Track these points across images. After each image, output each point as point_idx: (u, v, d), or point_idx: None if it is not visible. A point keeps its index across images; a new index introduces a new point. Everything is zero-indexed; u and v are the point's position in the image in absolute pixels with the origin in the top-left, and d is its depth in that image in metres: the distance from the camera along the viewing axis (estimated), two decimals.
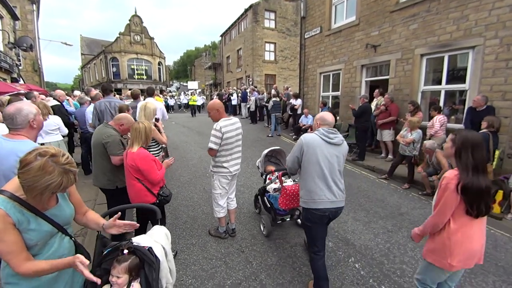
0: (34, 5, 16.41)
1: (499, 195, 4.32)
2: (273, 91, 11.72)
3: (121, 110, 3.48)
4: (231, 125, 2.94)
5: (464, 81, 5.46)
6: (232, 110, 16.53)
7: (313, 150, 2.21)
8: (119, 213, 1.69)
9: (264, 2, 19.91)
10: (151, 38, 29.72)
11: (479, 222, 1.75)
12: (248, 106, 13.68)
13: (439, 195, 1.78)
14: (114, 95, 5.98)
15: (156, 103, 4.99)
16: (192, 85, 32.91)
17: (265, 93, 12.82)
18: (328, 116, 2.40)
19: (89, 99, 5.84)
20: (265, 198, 3.49)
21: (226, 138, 2.88)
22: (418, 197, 4.80)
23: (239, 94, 15.72)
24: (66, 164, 1.23)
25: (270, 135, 10.14)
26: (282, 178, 3.18)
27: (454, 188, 1.66)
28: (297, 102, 10.00)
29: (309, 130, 8.71)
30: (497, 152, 4.37)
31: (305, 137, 2.30)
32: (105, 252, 1.64)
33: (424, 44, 6.03)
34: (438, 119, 5.29)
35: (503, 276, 2.74)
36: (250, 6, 19.87)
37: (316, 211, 2.23)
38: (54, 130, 4.13)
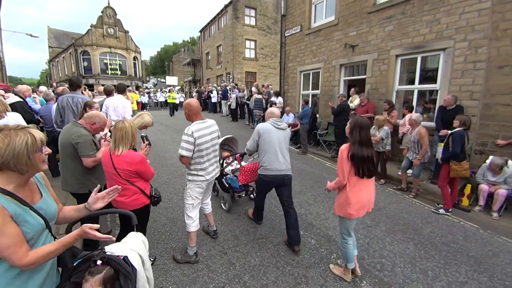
0: None
1: (467, 189, 4.61)
2: (253, 89, 11.70)
3: (86, 107, 3.14)
4: (205, 128, 2.64)
5: (435, 81, 5.75)
6: (212, 108, 16.29)
7: (267, 134, 3.06)
8: (98, 185, 1.65)
9: None
10: (126, 32, 28.36)
11: (367, 182, 2.42)
12: (228, 103, 13.51)
13: (338, 162, 2.47)
14: (84, 91, 5.59)
15: (124, 101, 4.77)
16: (171, 80, 30.07)
17: (246, 91, 12.74)
18: (275, 110, 3.33)
19: (55, 95, 5.41)
20: (223, 180, 4.01)
21: (200, 143, 2.57)
22: (393, 191, 5.00)
23: (219, 92, 15.49)
24: (18, 127, 1.23)
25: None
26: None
27: (346, 156, 2.35)
28: (278, 100, 9.97)
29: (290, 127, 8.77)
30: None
31: (260, 125, 3.16)
32: (75, 264, 1.51)
33: (399, 45, 6.27)
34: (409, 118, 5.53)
35: (474, 265, 2.92)
36: (230, 2, 19.59)
37: (266, 177, 3.09)
38: None
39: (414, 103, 6.14)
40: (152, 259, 2.80)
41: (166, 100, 19.93)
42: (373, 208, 4.16)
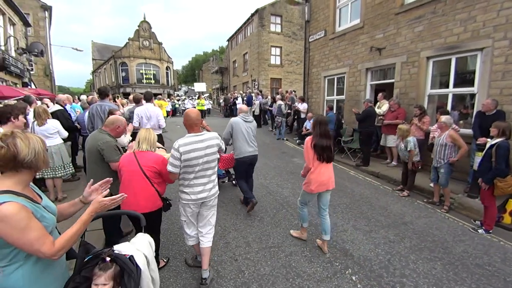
0: (46, 12, 16.96)
1: (510, 204, 4.08)
2: (278, 96, 11.69)
3: (109, 114, 3.45)
4: (197, 142, 2.36)
5: (472, 84, 5.25)
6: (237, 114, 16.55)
7: (238, 126, 3.97)
8: (92, 180, 1.73)
9: (270, 7, 19.98)
10: (159, 43, 30.26)
11: (326, 165, 3.08)
12: (252, 110, 13.64)
13: (304, 151, 3.12)
14: (117, 99, 6.01)
15: (154, 109, 4.99)
16: (199, 87, 28.92)
17: (269, 97, 12.77)
18: (243, 107, 4.36)
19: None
20: None
21: (188, 159, 2.31)
22: (424, 205, 4.60)
23: (245, 98, 15.72)
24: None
25: (277, 137, 10.30)
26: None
27: (309, 146, 3.01)
28: (303, 106, 9.82)
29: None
30: None
31: (232, 119, 4.04)
32: (86, 259, 1.62)
33: (430, 47, 5.85)
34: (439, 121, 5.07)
35: None
36: (256, 11, 19.97)
37: (242, 159, 4.01)
38: (53, 134, 4.16)
39: (449, 108, 5.65)
40: (165, 260, 2.88)
41: (195, 107, 20.65)
42: (398, 222, 3.94)
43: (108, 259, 1.48)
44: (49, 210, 1.41)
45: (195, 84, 30.45)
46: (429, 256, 3.12)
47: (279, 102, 10.39)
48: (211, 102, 23.85)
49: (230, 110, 17.85)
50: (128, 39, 28.76)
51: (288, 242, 3.35)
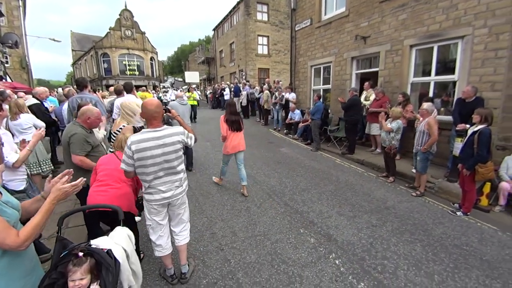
0: (20, 1, 15.91)
1: (487, 187, 4.26)
2: (265, 86, 11.59)
3: (80, 107, 3.27)
4: (153, 139, 2.08)
5: (453, 72, 5.36)
6: (225, 105, 16.35)
7: (176, 108, 4.69)
8: (50, 175, 1.68)
9: None
10: (143, 33, 29.16)
11: (237, 134, 4.31)
12: (240, 100, 13.50)
13: (220, 124, 4.30)
14: (95, 91, 5.78)
15: (136, 100, 4.81)
16: (191, 77, 24.13)
17: (256, 87, 12.65)
18: (179, 93, 5.32)
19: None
20: None
21: (141, 158, 2.06)
22: (406, 190, 4.74)
23: (232, 89, 15.52)
24: None
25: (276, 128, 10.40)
26: None
27: (223, 120, 4.23)
28: (291, 96, 9.67)
29: (299, 125, 8.61)
30: None
31: (171, 103, 4.72)
32: (61, 255, 1.58)
33: (414, 35, 5.91)
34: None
35: (487, 270, 2.68)
36: None
37: None
38: (27, 129, 3.96)
39: (431, 96, 5.76)
40: (142, 254, 2.83)
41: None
42: (381, 207, 4.05)
43: (81, 254, 1.47)
44: (11, 205, 1.36)
45: (185, 73, 25.19)
46: (410, 239, 3.23)
47: (266, 92, 10.34)
48: (199, 93, 23.32)
49: (217, 102, 17.61)
50: (109, 29, 27.53)
51: (274, 230, 3.38)
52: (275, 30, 20.65)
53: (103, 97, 6.77)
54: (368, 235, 3.28)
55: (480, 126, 3.65)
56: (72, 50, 35.94)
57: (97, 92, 6.03)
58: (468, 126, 4.16)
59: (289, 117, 9.24)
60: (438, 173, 5.07)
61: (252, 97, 12.34)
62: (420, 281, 2.53)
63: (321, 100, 7.63)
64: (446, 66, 5.67)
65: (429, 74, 5.87)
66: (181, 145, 2.26)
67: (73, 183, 1.56)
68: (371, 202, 4.20)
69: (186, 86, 27.81)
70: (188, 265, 2.58)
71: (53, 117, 5.71)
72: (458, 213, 3.89)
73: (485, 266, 2.74)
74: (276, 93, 10.14)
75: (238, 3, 20.32)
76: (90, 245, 1.60)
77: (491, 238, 3.29)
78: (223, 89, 16.42)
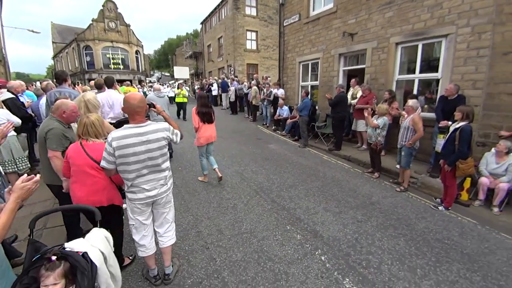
0: None
1: (467, 182, 4.40)
2: (253, 81, 11.51)
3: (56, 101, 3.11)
4: (136, 136, 1.99)
5: (437, 70, 5.48)
6: (213, 101, 16.15)
7: (154, 101, 4.03)
8: (10, 186, 1.56)
9: None
10: (127, 25, 28.21)
11: (208, 125, 4.48)
12: (228, 96, 13.34)
13: (192, 116, 4.48)
14: (75, 85, 5.52)
15: (118, 96, 4.63)
16: (180, 72, 22.59)
17: (245, 83, 12.54)
18: (157, 86, 5.55)
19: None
20: None
21: (123, 155, 1.95)
22: (390, 185, 4.83)
23: (219, 84, 15.33)
24: None
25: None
26: None
27: (195, 112, 4.38)
28: (280, 92, 9.64)
29: (287, 121, 8.61)
30: None
31: (148, 96, 4.35)
32: (33, 259, 1.49)
33: (399, 33, 5.99)
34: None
35: (467, 263, 2.76)
36: None
37: None
38: (1, 125, 3.72)
39: (415, 93, 5.88)
40: (131, 257, 2.73)
41: (174, 97, 19.08)
42: (366, 202, 4.11)
43: (54, 257, 1.39)
44: None
45: (174, 68, 23.41)
46: (394, 233, 3.29)
47: (255, 88, 10.26)
48: (188, 89, 22.83)
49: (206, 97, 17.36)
50: (92, 20, 26.42)
51: (260, 227, 3.35)
52: (264, 25, 20.48)
53: (84, 91, 6.49)
54: (354, 231, 3.32)
55: (461, 123, 3.74)
56: (53, 42, 34.27)
57: (77, 86, 5.76)
58: (450, 123, 4.26)
59: (277, 113, 9.22)
60: (421, 169, 5.19)
61: (241, 92, 12.23)
62: (404, 275, 2.57)
63: (308, 96, 7.64)
64: (430, 64, 5.78)
65: (413, 72, 5.98)
66: (166, 141, 2.17)
67: (35, 179, 1.48)
68: (356, 198, 4.25)
69: (172, 81, 27.24)
70: (172, 265, 2.51)
71: (30, 112, 5.42)
72: (440, 207, 4.00)
73: (465, 260, 2.82)
74: (265, 89, 10.09)
75: None
76: (64, 248, 1.52)
77: (471, 232, 3.40)
78: (211, 85, 16.20)
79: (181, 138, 2.38)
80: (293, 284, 2.43)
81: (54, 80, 6.63)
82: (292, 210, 3.79)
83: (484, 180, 4.13)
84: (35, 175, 1.54)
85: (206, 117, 4.40)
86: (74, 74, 27.22)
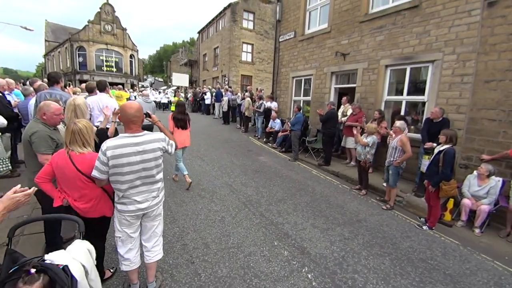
0: None
1: (450, 203, 4.52)
2: (246, 93, 11.63)
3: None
4: (131, 146, 1.95)
5: (423, 93, 5.72)
6: (206, 110, 16.16)
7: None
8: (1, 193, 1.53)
9: (243, 2, 19.77)
10: (124, 29, 28.22)
11: (183, 131, 4.84)
12: (221, 105, 13.38)
13: (168, 121, 4.75)
14: (66, 87, 5.42)
15: (109, 100, 4.58)
16: (179, 79, 20.92)
17: (239, 94, 12.65)
18: (145, 92, 6.41)
19: (33, 90, 5.23)
20: None
21: (117, 165, 1.91)
22: (377, 203, 4.91)
23: (213, 93, 15.38)
24: None
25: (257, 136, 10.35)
26: None
27: (171, 117, 4.78)
28: (274, 105, 9.73)
29: (279, 134, 8.70)
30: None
31: (136, 100, 5.59)
32: (10, 271, 1.42)
33: (389, 56, 6.25)
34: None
35: (450, 284, 2.81)
36: (229, 5, 19.64)
37: None
38: None
39: (402, 114, 6.09)
40: (112, 270, 2.62)
41: (169, 102, 18.72)
42: (353, 219, 4.15)
43: (33, 270, 1.31)
44: None
45: (173, 74, 20.89)
46: (379, 252, 3.32)
47: (248, 99, 10.36)
48: (183, 95, 22.68)
49: (198, 105, 17.38)
50: (88, 22, 26.31)
51: (248, 242, 3.31)
52: (260, 39, 20.94)
53: (74, 93, 6.37)
54: (341, 248, 3.33)
55: (445, 146, 3.89)
56: (46, 40, 33.73)
57: (67, 87, 5.63)
58: (435, 144, 4.42)
59: (269, 125, 9.30)
60: (407, 188, 5.32)
61: (234, 103, 12.31)
62: None
63: (301, 111, 7.78)
64: (417, 87, 6.04)
65: (401, 93, 6.22)
66: (161, 152, 2.13)
67: (26, 192, 1.42)
68: (344, 215, 4.29)
69: (165, 87, 27.02)
70: (155, 280, 2.43)
71: (16, 111, 5.25)
72: (424, 227, 4.09)
73: (448, 280, 2.87)
74: (257, 101, 10.21)
75: (224, 9, 20.40)
76: (44, 260, 1.46)
77: (453, 252, 3.48)
78: (204, 93, 16.25)
79: (175, 149, 2.37)
80: None
81: (45, 80, 6.49)
82: (280, 225, 3.78)
83: (466, 202, 4.26)
84: (29, 188, 1.49)
85: (180, 123, 4.78)
86: (65, 74, 26.70)
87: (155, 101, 19.24)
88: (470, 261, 3.29)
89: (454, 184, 3.93)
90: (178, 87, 26.72)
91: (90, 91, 4.85)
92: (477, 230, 4.08)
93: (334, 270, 2.90)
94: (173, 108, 11.48)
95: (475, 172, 4.40)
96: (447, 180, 3.86)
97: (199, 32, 26.97)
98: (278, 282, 2.65)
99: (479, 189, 4.23)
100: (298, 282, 2.67)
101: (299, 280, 2.71)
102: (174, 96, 11.93)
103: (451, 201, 4.54)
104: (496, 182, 4.12)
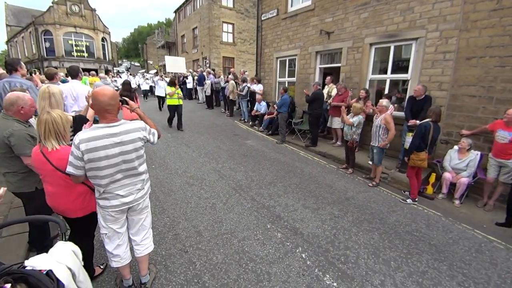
0: None
1: (432, 178, 4.75)
2: (230, 76, 11.29)
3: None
4: (106, 137, 1.78)
5: (406, 71, 5.76)
6: (188, 94, 15.63)
7: None
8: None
9: None
10: (93, 10, 26.05)
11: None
12: (204, 89, 12.97)
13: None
14: (32, 74, 4.95)
15: (83, 87, 4.24)
16: (174, 64, 15.72)
17: (221, 77, 12.27)
18: (102, 74, 7.10)
19: None
20: None
21: (92, 159, 1.75)
22: (363, 180, 5.04)
23: (195, 77, 14.83)
24: None
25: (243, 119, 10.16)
26: None
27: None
28: (258, 88, 9.52)
29: (264, 117, 8.60)
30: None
31: (95, 83, 5.42)
32: None
33: (373, 34, 6.19)
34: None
35: (435, 254, 2.98)
36: None
37: None
38: None
39: (386, 93, 6.15)
40: (102, 267, 2.53)
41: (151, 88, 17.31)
42: (342, 197, 4.25)
43: (8, 286, 1.16)
44: None
45: (166, 58, 16.12)
46: (368, 227, 3.43)
47: (232, 82, 10.07)
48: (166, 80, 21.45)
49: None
50: (52, 3, 23.94)
51: (241, 227, 3.30)
52: (241, 18, 20.14)
53: (42, 81, 5.87)
54: (332, 226, 3.41)
55: (423, 121, 4.07)
56: (7, 25, 30.54)
57: (34, 75, 5.17)
58: (418, 122, 4.53)
59: (255, 108, 9.16)
60: (391, 164, 5.48)
61: (217, 86, 11.95)
62: (379, 268, 2.70)
63: (287, 93, 7.67)
64: (400, 65, 6.07)
65: (385, 72, 6.24)
66: (142, 142, 1.97)
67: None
68: (333, 194, 4.38)
69: (143, 71, 25.68)
70: (149, 273, 2.37)
71: None
72: (408, 200, 4.27)
73: (433, 250, 3.04)
74: (241, 85, 9.96)
75: None
76: (25, 266, 1.34)
77: (436, 223, 3.67)
78: (186, 77, 15.64)
79: (158, 137, 2.22)
80: (275, 284, 2.43)
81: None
82: (272, 208, 3.80)
83: (447, 175, 4.46)
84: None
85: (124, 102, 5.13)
86: (31, 61, 24.71)
87: (136, 87, 17.53)
88: (452, 231, 3.49)
89: (424, 156, 4.09)
90: (156, 72, 25.39)
91: (50, 78, 4.37)
92: (457, 202, 4.32)
93: (327, 248, 2.97)
94: (172, 101, 8.09)
95: (455, 147, 4.58)
96: (417, 151, 4.09)
97: (175, 12, 25.50)
98: (274, 264, 2.68)
99: (459, 162, 4.42)
100: (293, 263, 2.72)
101: (293, 260, 2.75)
102: (169, 85, 8.50)
103: (433, 175, 4.76)
104: (475, 155, 4.32)
